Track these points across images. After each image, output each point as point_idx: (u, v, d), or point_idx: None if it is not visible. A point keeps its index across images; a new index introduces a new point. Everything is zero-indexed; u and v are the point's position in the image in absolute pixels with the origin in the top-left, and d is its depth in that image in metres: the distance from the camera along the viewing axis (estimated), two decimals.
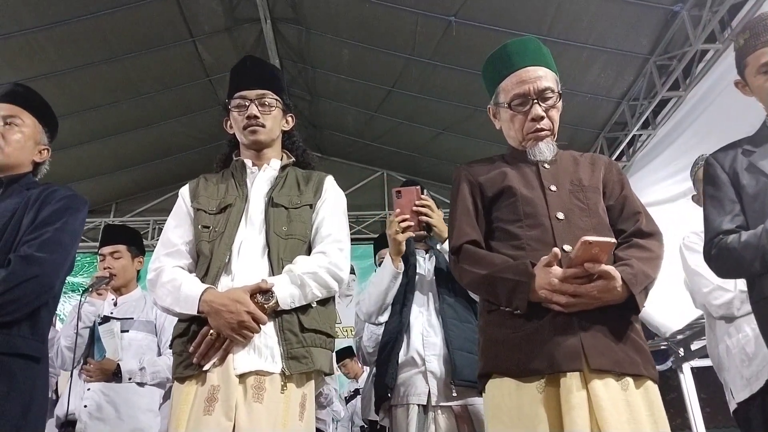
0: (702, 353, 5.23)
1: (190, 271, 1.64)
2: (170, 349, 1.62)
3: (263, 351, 1.49)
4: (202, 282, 1.56)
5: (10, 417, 1.43)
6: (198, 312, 1.50)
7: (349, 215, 1.82)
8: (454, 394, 2.09)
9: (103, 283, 2.65)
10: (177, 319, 1.60)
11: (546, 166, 1.60)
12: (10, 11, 4.43)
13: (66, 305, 6.47)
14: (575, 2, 4.23)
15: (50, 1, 4.47)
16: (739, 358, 2.12)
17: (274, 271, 1.57)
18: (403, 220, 2.07)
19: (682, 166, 4.25)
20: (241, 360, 1.48)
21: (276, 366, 1.48)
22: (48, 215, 1.60)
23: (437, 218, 2.10)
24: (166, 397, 2.71)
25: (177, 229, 1.70)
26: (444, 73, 5.38)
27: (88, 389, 2.54)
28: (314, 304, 1.59)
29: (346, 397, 5.78)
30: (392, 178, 7.69)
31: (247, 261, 1.59)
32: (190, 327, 1.54)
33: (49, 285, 1.55)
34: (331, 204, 1.75)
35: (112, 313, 2.71)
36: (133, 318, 2.72)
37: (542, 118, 1.58)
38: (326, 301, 1.64)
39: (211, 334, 1.48)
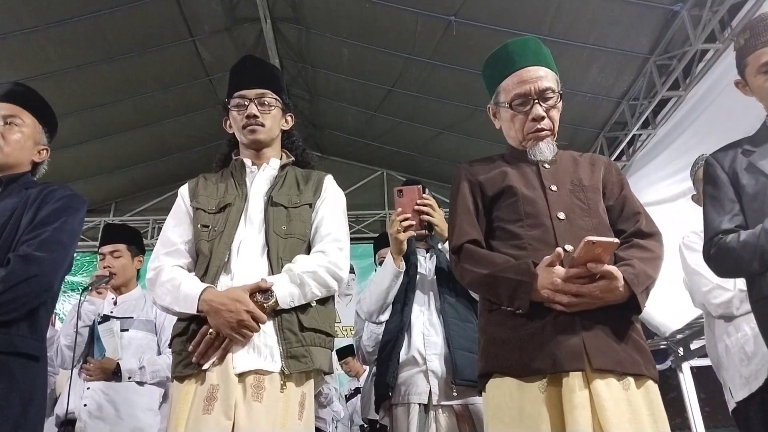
0: (701, 352, 5.24)
1: (190, 271, 1.63)
2: (170, 348, 1.62)
3: (263, 350, 1.49)
4: (202, 281, 1.55)
5: (9, 416, 1.43)
6: (197, 311, 1.50)
7: (348, 215, 1.82)
8: (455, 394, 2.08)
9: (102, 282, 2.65)
10: (176, 318, 1.60)
11: (546, 165, 1.60)
12: (10, 11, 4.42)
13: (66, 304, 6.47)
14: (575, 2, 4.23)
15: (50, 1, 4.46)
16: (738, 358, 2.12)
17: (273, 270, 1.57)
18: (405, 219, 2.07)
19: (681, 166, 4.25)
20: (241, 359, 1.48)
21: (275, 365, 1.48)
22: (47, 215, 1.60)
23: (438, 217, 2.10)
24: (166, 397, 2.71)
25: (176, 228, 1.69)
26: (444, 72, 5.37)
27: (88, 388, 2.55)
28: (314, 304, 1.59)
29: (346, 396, 5.77)
30: (392, 177, 7.69)
31: (247, 260, 1.59)
32: (190, 326, 1.54)
33: (48, 284, 1.55)
34: (331, 203, 1.75)
35: (111, 312, 2.72)
36: (132, 317, 2.72)
37: (543, 118, 1.58)
38: (326, 301, 1.64)
39: (210, 333, 1.48)
